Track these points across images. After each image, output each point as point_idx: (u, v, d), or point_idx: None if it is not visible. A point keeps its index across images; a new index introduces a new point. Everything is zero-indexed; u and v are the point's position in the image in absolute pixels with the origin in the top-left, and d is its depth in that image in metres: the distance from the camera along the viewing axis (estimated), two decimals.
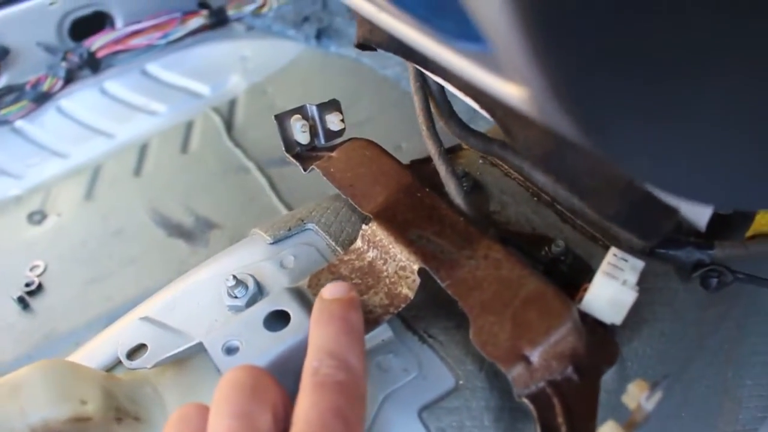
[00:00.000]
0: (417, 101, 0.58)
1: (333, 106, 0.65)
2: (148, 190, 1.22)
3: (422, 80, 0.58)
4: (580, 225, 0.57)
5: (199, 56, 1.46)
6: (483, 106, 0.42)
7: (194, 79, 1.43)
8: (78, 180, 1.25)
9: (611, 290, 0.44)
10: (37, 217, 1.18)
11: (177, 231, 1.13)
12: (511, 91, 0.25)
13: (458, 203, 0.53)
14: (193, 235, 1.12)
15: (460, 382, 0.46)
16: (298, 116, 0.64)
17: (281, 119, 0.64)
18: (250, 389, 0.39)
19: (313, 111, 0.65)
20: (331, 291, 0.45)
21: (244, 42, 1.48)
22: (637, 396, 0.38)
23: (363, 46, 0.53)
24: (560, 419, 0.42)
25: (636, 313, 0.53)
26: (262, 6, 1.50)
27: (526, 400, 0.43)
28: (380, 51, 0.58)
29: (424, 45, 0.31)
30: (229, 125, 1.34)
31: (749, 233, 0.56)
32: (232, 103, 1.38)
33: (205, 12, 1.47)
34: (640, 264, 0.45)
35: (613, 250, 0.45)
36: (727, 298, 0.65)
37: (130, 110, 1.38)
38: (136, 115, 1.37)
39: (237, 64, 1.45)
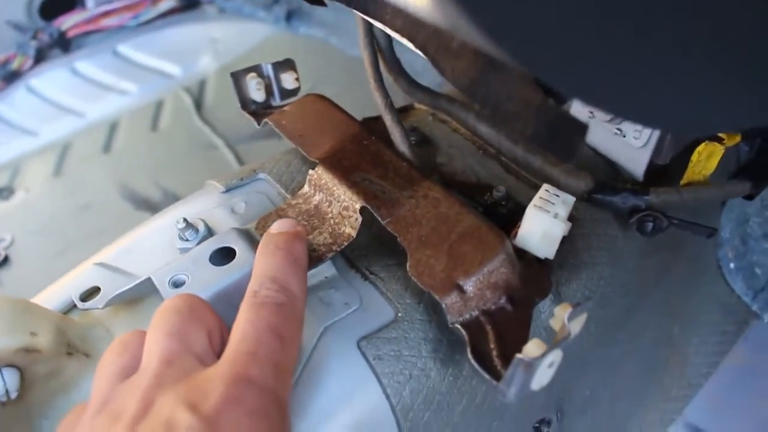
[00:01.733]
0: (365, 57, 0.59)
1: (288, 65, 0.67)
2: (117, 167, 1.23)
3: (371, 37, 0.60)
4: (524, 175, 0.59)
5: (170, 37, 1.47)
6: (417, 45, 0.44)
7: (165, 60, 1.44)
8: (47, 157, 1.26)
9: (542, 223, 0.46)
10: (5, 193, 1.19)
11: (145, 205, 1.14)
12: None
13: (402, 150, 0.55)
14: (161, 208, 1.12)
15: (399, 314, 0.48)
16: (254, 74, 0.66)
17: (237, 77, 0.65)
18: (187, 312, 0.40)
19: (268, 70, 0.66)
20: (277, 226, 0.47)
21: (215, 24, 1.49)
22: (562, 316, 0.40)
23: None
24: (491, 345, 0.43)
25: (575, 256, 0.55)
26: None
27: (458, 327, 0.44)
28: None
29: None
30: (198, 104, 1.35)
31: (683, 181, 0.58)
32: (202, 84, 1.39)
33: None
34: (571, 199, 0.47)
35: (545, 186, 0.47)
36: (669, 249, 0.67)
37: (100, 90, 1.38)
38: (106, 94, 1.37)
39: (207, 46, 1.46)
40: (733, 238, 0.84)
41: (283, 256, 0.44)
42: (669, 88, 0.33)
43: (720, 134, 0.55)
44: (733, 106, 0.35)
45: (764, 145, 0.62)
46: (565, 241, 0.55)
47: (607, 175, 0.61)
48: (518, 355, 0.38)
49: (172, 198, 1.14)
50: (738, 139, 0.56)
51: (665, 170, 0.61)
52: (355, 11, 0.50)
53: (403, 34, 0.45)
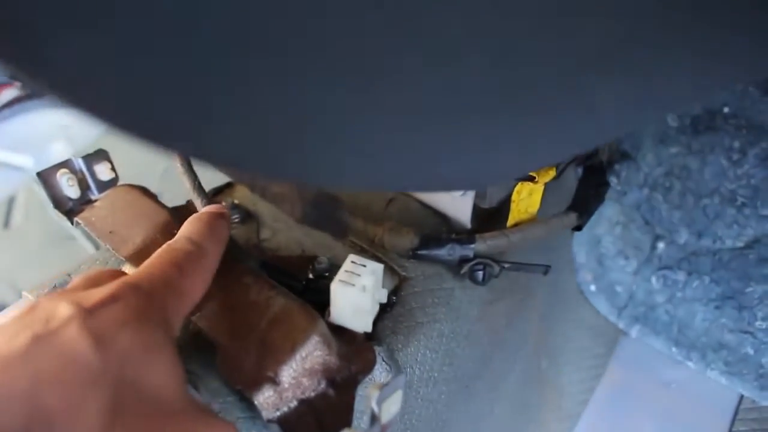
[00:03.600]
0: None
1: (101, 156, 0.63)
2: None
3: None
4: (350, 240, 0.57)
5: (16, 128, 1.40)
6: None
7: (14, 152, 1.36)
8: None
9: (349, 297, 0.44)
10: None
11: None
12: None
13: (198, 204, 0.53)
14: None
15: (219, 415, 0.45)
16: (65, 170, 0.62)
17: (45, 176, 0.61)
18: None
19: (80, 164, 0.62)
20: (206, 208, 0.49)
21: (64, 109, 1.42)
22: (371, 399, 0.38)
23: None
24: None
25: (408, 318, 0.53)
26: None
27: (274, 422, 0.41)
28: None
29: None
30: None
31: (509, 223, 0.57)
32: None
33: (18, 83, 1.41)
34: (378, 267, 0.45)
35: (351, 257, 0.45)
36: (519, 290, 0.66)
37: None
38: None
39: (59, 132, 1.40)
40: (588, 260, 0.84)
41: (204, 224, 0.46)
42: (437, 152, 0.31)
43: (531, 174, 0.55)
44: (502, 161, 0.34)
45: (586, 174, 0.62)
46: (396, 304, 0.54)
47: (436, 228, 0.60)
48: None
49: None
50: (552, 174, 0.56)
51: (497, 213, 0.61)
52: None
53: None
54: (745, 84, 0.81)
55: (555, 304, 0.77)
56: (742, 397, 0.83)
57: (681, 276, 0.85)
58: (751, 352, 0.82)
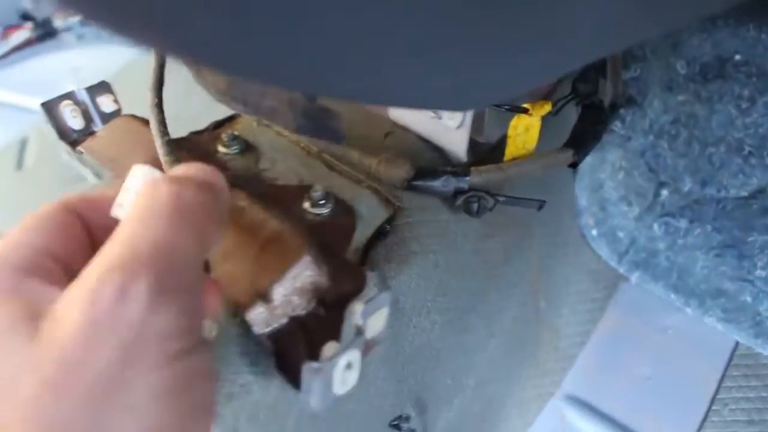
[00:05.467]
0: (153, 64, 0.57)
1: (104, 88, 0.65)
2: None
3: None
4: (346, 171, 0.57)
5: (28, 71, 1.41)
6: (184, 62, 0.42)
7: (26, 94, 1.37)
8: None
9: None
10: None
11: None
12: None
13: (159, 152, 0.52)
14: None
15: (214, 333, 0.46)
16: (69, 102, 0.63)
17: (49, 107, 0.62)
18: None
19: (83, 95, 0.64)
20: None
21: (75, 51, 1.43)
22: (356, 314, 0.39)
23: None
24: (300, 352, 0.42)
25: (402, 246, 0.54)
26: None
27: (265, 339, 0.43)
28: None
29: None
30: None
31: (506, 157, 0.58)
32: None
33: (29, 24, 1.41)
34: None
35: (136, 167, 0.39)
36: (516, 227, 0.67)
37: None
38: None
39: (69, 75, 1.40)
40: (590, 205, 0.84)
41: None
42: (417, 66, 0.32)
43: (525, 105, 0.55)
44: (481, 81, 0.35)
45: (584, 112, 0.62)
46: (390, 233, 0.54)
47: (433, 161, 0.60)
48: (306, 362, 0.36)
49: None
50: (548, 107, 0.56)
51: (496, 149, 0.61)
52: None
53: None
54: (756, 30, 0.80)
55: (555, 246, 0.77)
56: (737, 343, 0.84)
57: (683, 223, 0.85)
58: (749, 300, 0.82)
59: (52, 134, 1.33)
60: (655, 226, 0.85)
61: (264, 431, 0.46)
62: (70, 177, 1.22)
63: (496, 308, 0.67)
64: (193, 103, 0.70)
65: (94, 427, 0.27)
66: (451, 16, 0.25)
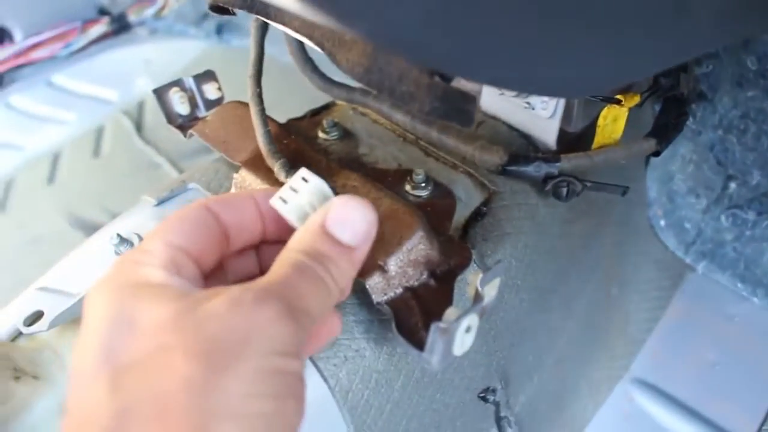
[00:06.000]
0: (251, 60, 0.61)
1: (209, 76, 0.69)
2: (63, 197, 1.23)
3: (260, 38, 0.62)
4: (442, 156, 0.61)
5: (103, 63, 1.47)
6: (314, 42, 0.46)
7: (101, 86, 1.44)
8: None
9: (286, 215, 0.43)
10: None
11: (95, 231, 1.14)
12: None
13: (260, 141, 0.56)
14: None
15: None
16: (177, 88, 0.67)
17: (160, 93, 0.67)
18: None
19: (190, 83, 0.68)
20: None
21: (148, 45, 1.49)
22: (475, 282, 0.43)
23: (215, 8, 0.57)
24: (417, 318, 0.46)
25: (497, 227, 0.58)
26: (162, 8, 1.52)
27: (383, 305, 0.46)
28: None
29: None
30: (138, 126, 1.35)
31: (594, 146, 0.61)
32: (141, 106, 1.40)
33: (105, 19, 1.48)
34: (321, 185, 0.40)
35: (301, 171, 0.41)
36: (594, 215, 0.70)
37: (38, 122, 1.38)
38: (45, 126, 1.37)
39: (142, 68, 1.46)
40: (660, 196, 0.87)
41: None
42: (542, 57, 0.35)
43: (618, 96, 0.58)
44: (601, 68, 0.38)
45: (666, 104, 0.65)
46: (486, 215, 0.58)
47: (523, 148, 0.63)
48: (434, 323, 0.40)
49: None
50: (637, 99, 0.59)
51: (581, 138, 0.64)
52: (256, 15, 0.52)
53: (302, 34, 0.47)
54: None
55: (627, 235, 0.80)
56: None
57: (751, 215, 0.87)
58: None
59: (127, 123, 1.39)
60: (723, 218, 0.88)
61: (374, 392, 0.50)
62: (145, 164, 1.28)
63: (575, 291, 0.70)
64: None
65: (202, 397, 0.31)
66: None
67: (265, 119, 0.58)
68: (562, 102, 0.59)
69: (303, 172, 0.40)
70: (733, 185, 0.87)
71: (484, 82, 0.43)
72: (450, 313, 0.42)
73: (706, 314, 0.85)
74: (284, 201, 0.40)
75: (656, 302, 0.84)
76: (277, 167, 0.53)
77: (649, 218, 0.87)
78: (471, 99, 0.37)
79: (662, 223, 0.87)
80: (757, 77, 0.85)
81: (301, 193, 0.40)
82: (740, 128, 0.87)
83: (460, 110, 0.38)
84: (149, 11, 1.51)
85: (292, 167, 0.53)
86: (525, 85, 0.36)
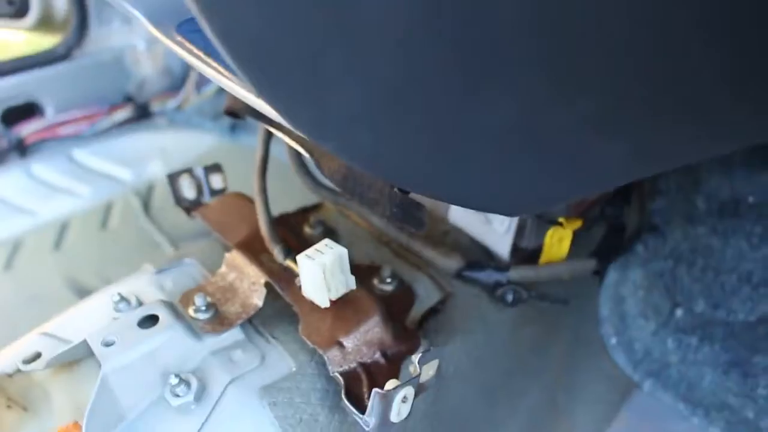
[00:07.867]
0: (257, 159, 0.71)
1: (217, 168, 0.79)
2: (66, 263, 1.31)
3: (264, 149, 0.72)
4: (409, 257, 0.70)
5: (123, 145, 1.59)
6: (306, 150, 0.56)
7: (117, 165, 1.55)
8: None
9: (311, 271, 0.54)
10: None
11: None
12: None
13: (263, 227, 0.65)
14: None
15: (294, 369, 0.58)
16: (187, 175, 0.77)
17: (173, 178, 0.77)
18: None
19: (199, 172, 0.78)
20: None
21: (165, 134, 1.62)
22: (415, 360, 0.51)
23: (229, 113, 0.67)
24: (364, 389, 0.53)
25: (450, 324, 0.66)
26: (184, 102, 1.65)
27: (337, 375, 0.54)
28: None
29: (247, 97, 0.44)
30: (146, 206, 1.45)
31: (541, 261, 0.70)
32: (151, 188, 1.50)
33: (130, 105, 1.61)
34: (343, 252, 0.55)
35: (324, 241, 0.56)
36: (543, 324, 0.78)
37: (53, 191, 1.48)
38: (59, 196, 1.47)
39: (157, 153, 1.58)
40: (612, 315, 0.95)
41: None
42: (471, 174, 0.44)
43: (560, 219, 0.67)
44: (535, 191, 0.47)
45: (609, 231, 0.74)
46: (441, 312, 0.66)
47: (479, 257, 0.73)
48: (375, 389, 0.48)
49: None
50: (579, 223, 0.68)
51: (533, 255, 0.73)
52: (262, 124, 0.63)
53: (297, 143, 0.57)
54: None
55: (579, 347, 0.88)
56: None
57: (694, 341, 0.94)
58: (751, 415, 0.91)
59: (135, 202, 1.49)
60: (669, 341, 0.95)
61: None
62: (146, 241, 1.37)
63: (520, 390, 0.77)
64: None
65: None
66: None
67: (269, 210, 0.67)
68: (515, 220, 0.69)
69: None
70: (679, 312, 0.96)
71: (420, 193, 0.52)
72: (390, 383, 0.49)
73: (649, 430, 0.91)
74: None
75: (603, 414, 0.91)
76: (276, 250, 0.62)
77: (601, 335, 0.95)
78: (422, 207, 0.47)
79: (613, 341, 0.95)
80: (706, 216, 0.95)
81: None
82: (689, 260, 0.96)
83: (414, 216, 0.47)
84: (171, 103, 1.65)
85: (289, 252, 0.62)
86: (458, 199, 0.45)
